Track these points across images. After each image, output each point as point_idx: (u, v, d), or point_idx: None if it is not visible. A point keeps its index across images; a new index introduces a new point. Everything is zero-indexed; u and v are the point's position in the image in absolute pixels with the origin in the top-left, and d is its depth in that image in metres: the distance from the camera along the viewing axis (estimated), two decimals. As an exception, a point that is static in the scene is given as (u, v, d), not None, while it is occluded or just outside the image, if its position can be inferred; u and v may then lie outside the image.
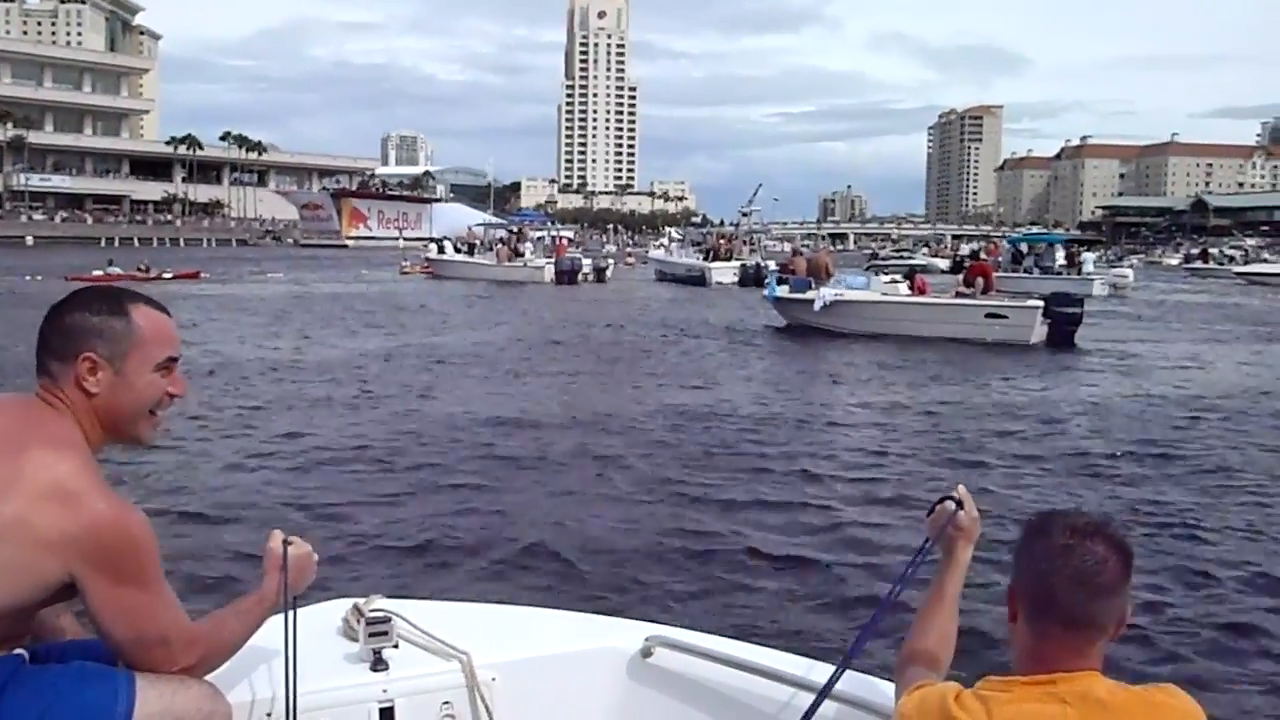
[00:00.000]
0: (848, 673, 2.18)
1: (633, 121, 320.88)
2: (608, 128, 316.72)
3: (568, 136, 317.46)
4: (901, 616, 4.79)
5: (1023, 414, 12.58)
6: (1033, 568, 1.68)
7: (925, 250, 79.54)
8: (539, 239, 52.61)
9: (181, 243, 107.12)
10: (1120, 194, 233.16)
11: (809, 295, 22.42)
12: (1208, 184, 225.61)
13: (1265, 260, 68.34)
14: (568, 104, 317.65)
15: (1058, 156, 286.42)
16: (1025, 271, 39.70)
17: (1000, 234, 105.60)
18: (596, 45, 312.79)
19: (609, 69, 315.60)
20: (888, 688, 2.18)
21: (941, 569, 2.16)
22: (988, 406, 13.27)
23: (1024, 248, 43.91)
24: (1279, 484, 8.92)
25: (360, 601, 2.54)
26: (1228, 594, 6.22)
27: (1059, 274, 39.33)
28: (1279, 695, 4.92)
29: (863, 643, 2.18)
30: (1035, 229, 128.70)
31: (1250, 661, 5.27)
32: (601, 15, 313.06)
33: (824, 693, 2.10)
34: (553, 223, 79.86)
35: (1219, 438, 11.07)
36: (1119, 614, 1.67)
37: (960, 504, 2.15)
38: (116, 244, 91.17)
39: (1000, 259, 42.37)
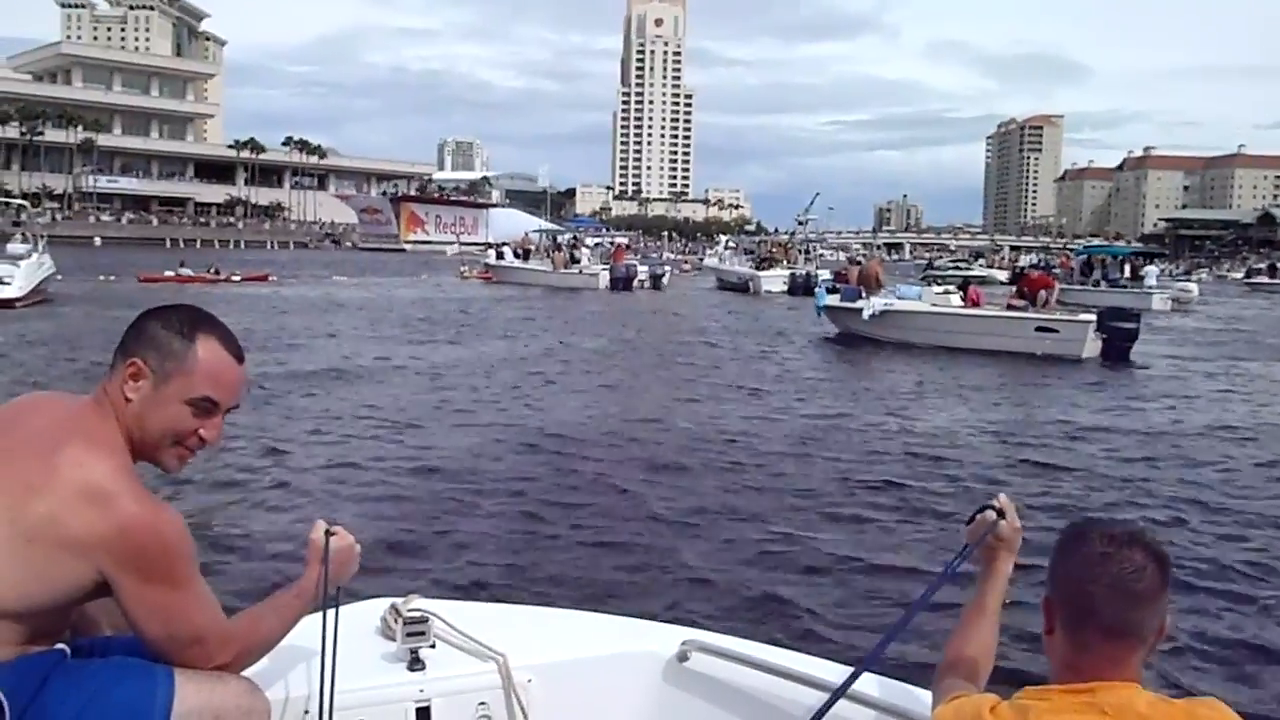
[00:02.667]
0: (871, 675, 2.21)
1: (688, 129, 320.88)
2: (663, 135, 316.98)
3: (623, 143, 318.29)
4: (935, 621, 5.08)
5: (1063, 431, 12.37)
6: (1070, 577, 1.66)
7: (982, 261, 78.76)
8: (596, 245, 53.15)
9: (243, 245, 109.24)
10: (1184, 206, 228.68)
11: (858, 304, 22.45)
12: (1276, 197, 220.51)
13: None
14: (623, 111, 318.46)
15: (1119, 167, 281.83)
16: (1094, 284, 39.34)
17: (1060, 245, 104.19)
18: (653, 53, 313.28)
19: (665, 76, 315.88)
20: (915, 692, 2.23)
21: (982, 580, 2.14)
22: (1027, 422, 13.09)
23: (1092, 260, 43.51)
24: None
25: (398, 601, 2.55)
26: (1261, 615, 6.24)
27: (1124, 287, 38.91)
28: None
29: (884, 646, 2.17)
30: (1096, 241, 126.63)
31: None
32: (659, 23, 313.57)
33: (839, 693, 2.08)
34: (607, 229, 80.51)
35: (1262, 478, 10.20)
36: (1158, 623, 1.64)
37: (1002, 513, 2.13)
38: (181, 245, 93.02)
39: (1070, 271, 42.25)
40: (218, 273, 42.76)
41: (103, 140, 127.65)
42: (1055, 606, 1.70)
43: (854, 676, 2.12)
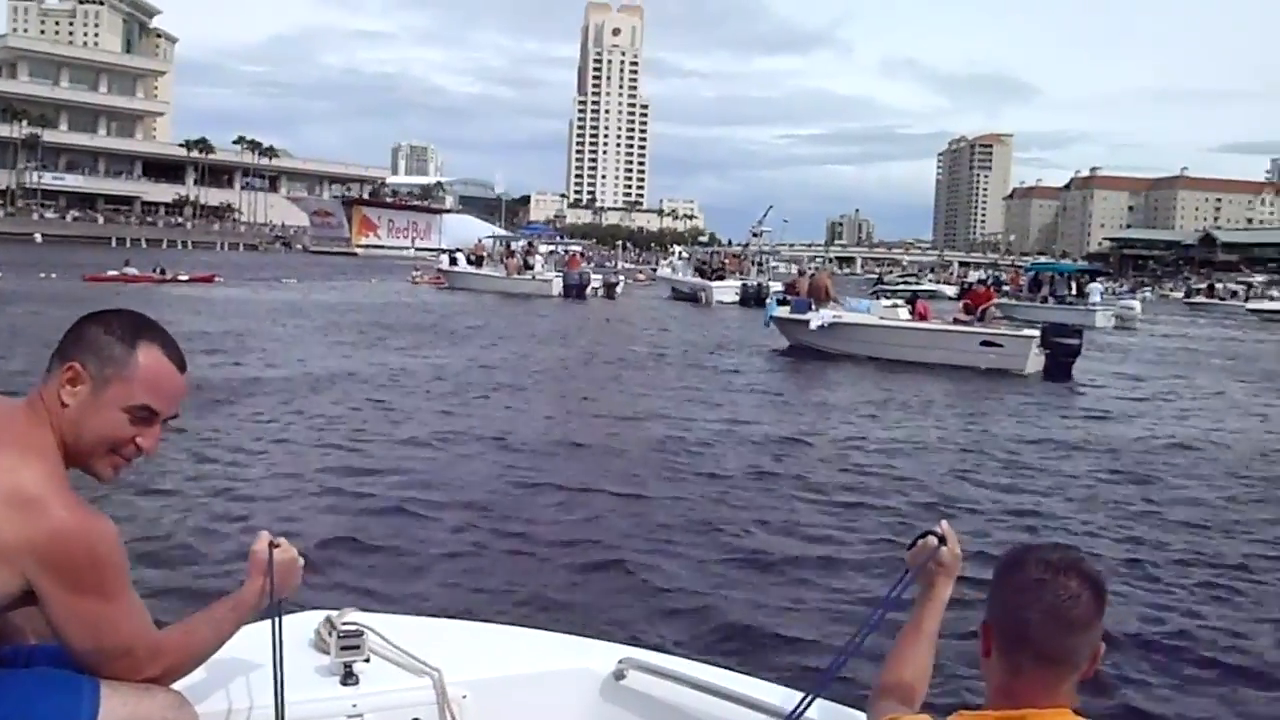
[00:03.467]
0: (819, 701, 2.21)
1: (644, 139, 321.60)
2: (618, 144, 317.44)
3: (578, 152, 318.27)
4: (879, 644, 5.09)
5: (1001, 445, 12.51)
6: (1006, 602, 1.68)
7: (932, 276, 79.84)
8: (550, 253, 53.20)
9: (191, 245, 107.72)
10: (1128, 226, 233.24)
11: (807, 316, 22.60)
12: (1216, 219, 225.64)
13: (1272, 297, 68.31)
14: (579, 119, 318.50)
15: (1067, 187, 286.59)
16: (1042, 301, 40.05)
17: (1009, 262, 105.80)
18: (610, 62, 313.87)
19: (621, 85, 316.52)
20: (856, 716, 2.23)
21: (920, 604, 2.15)
22: (965, 436, 13.18)
23: (1040, 277, 44.31)
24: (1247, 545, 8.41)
25: (333, 614, 2.52)
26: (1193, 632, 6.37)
27: (1071, 304, 39.61)
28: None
29: (832, 674, 2.19)
30: (1043, 259, 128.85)
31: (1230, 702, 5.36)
32: (616, 33, 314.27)
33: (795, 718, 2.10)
34: (562, 237, 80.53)
35: (1201, 493, 10.24)
36: (1092, 650, 1.66)
37: (943, 539, 2.14)
38: (127, 244, 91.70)
39: (1020, 288, 43.08)
40: (164, 273, 42.16)
41: (48, 136, 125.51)
42: (992, 631, 1.71)
43: (806, 704, 2.14)
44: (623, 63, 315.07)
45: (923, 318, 22.75)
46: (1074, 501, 9.73)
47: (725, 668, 2.67)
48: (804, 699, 2.16)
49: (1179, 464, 11.87)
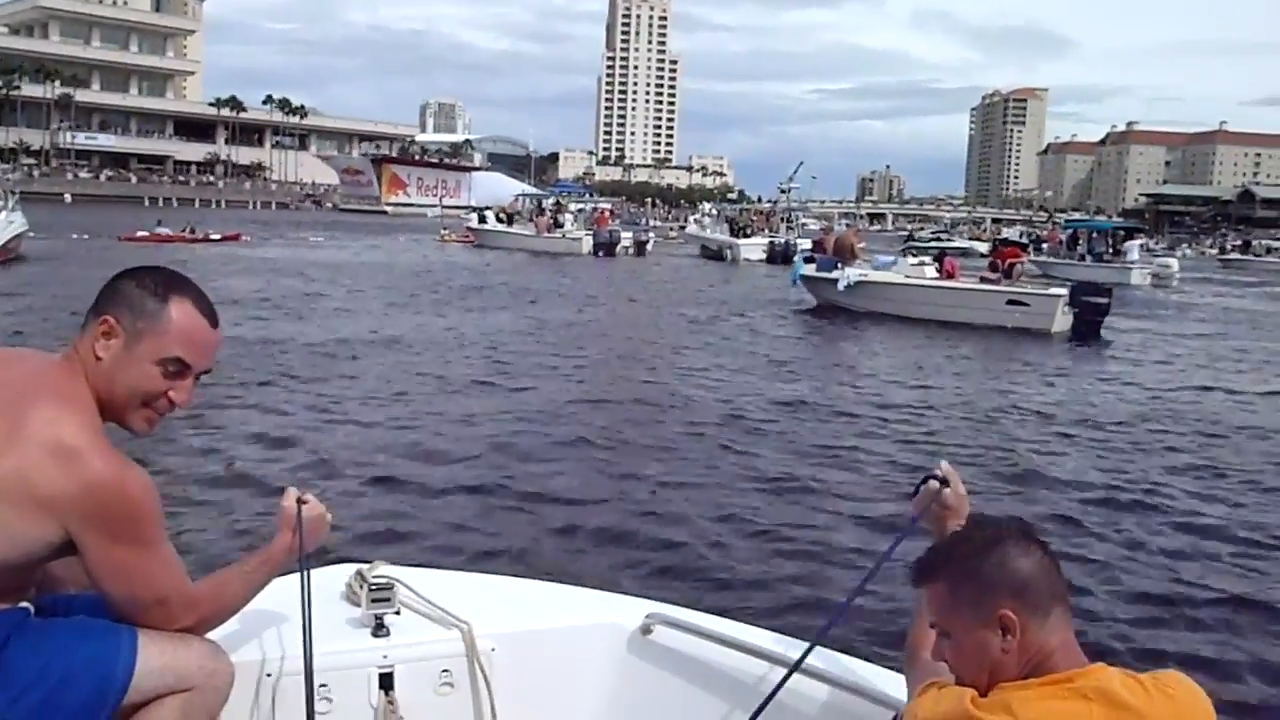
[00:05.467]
0: (821, 649, 2.26)
1: (673, 95, 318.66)
2: (647, 100, 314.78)
3: (607, 108, 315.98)
4: (891, 592, 5.24)
5: (1019, 407, 12.41)
6: (1016, 573, 1.65)
7: (965, 233, 78.98)
8: (579, 210, 53.14)
9: (224, 204, 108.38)
10: (1165, 182, 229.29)
11: (834, 275, 22.52)
12: (1255, 174, 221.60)
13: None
14: (608, 75, 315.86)
15: (1102, 142, 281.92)
16: (1079, 259, 39.46)
17: (1044, 219, 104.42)
18: (639, 16, 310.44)
19: (650, 41, 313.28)
20: (867, 666, 2.33)
21: None
22: (984, 396, 13.07)
23: (1078, 234, 43.74)
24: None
25: (364, 567, 2.57)
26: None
27: (1108, 262, 39.01)
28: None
29: (835, 623, 2.23)
30: (1077, 215, 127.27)
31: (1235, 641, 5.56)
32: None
33: (794, 668, 2.14)
34: (591, 194, 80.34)
35: (1221, 469, 9.67)
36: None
37: (945, 481, 2.11)
38: (160, 204, 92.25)
39: (1059, 244, 42.55)
40: (194, 232, 42.71)
41: (81, 96, 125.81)
42: (1015, 610, 1.64)
43: (807, 652, 2.18)
44: (651, 17, 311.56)
45: (950, 276, 22.52)
46: (1089, 460, 9.71)
47: (749, 623, 2.70)
48: (807, 648, 2.20)
49: (1195, 431, 11.49)
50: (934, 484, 2.12)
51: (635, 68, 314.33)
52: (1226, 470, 9.54)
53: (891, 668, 2.37)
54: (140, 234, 40.32)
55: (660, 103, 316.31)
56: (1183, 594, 6.22)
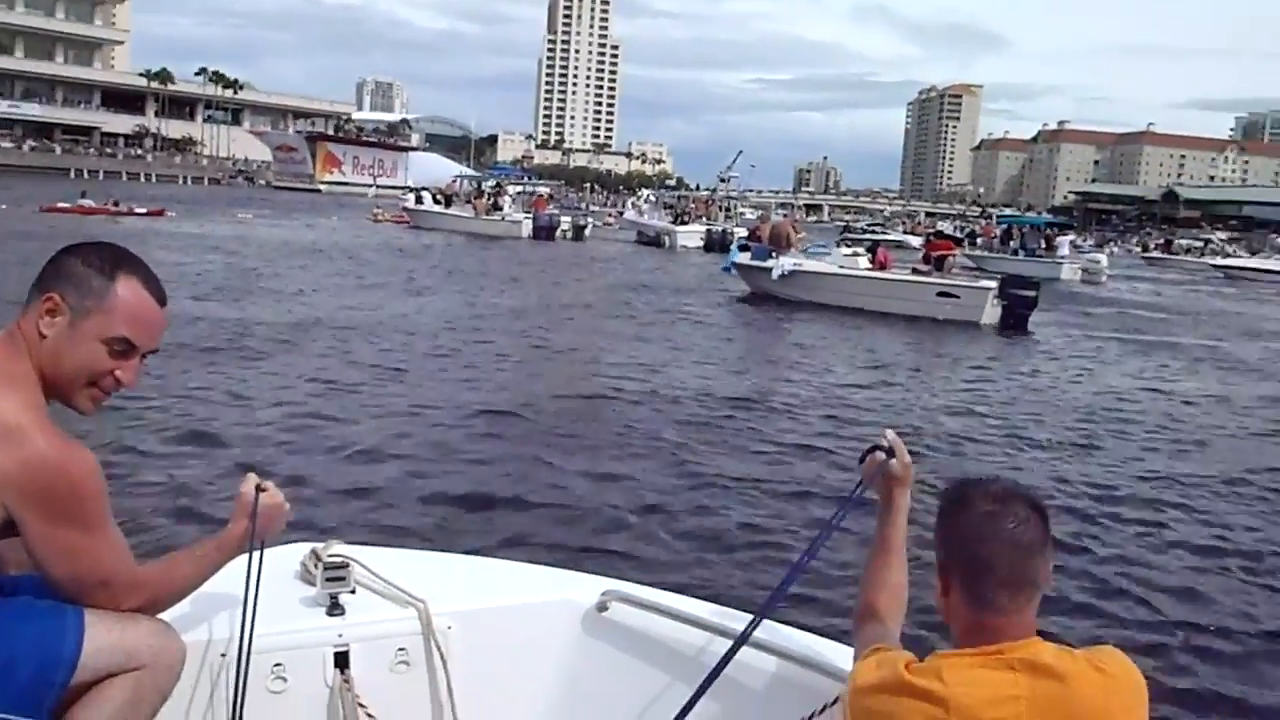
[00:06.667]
0: (766, 622, 2.26)
1: (614, 80, 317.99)
2: (588, 85, 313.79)
3: (547, 92, 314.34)
4: (839, 562, 5.38)
5: (949, 394, 12.78)
6: (964, 538, 1.70)
7: (900, 226, 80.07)
8: (518, 194, 52.90)
9: (153, 178, 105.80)
10: (1094, 180, 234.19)
11: (768, 264, 22.71)
12: (1179, 175, 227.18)
13: (1233, 254, 69.10)
14: (549, 58, 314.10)
15: (1034, 140, 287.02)
16: (1012, 253, 40.29)
17: (976, 213, 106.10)
18: (580, 0, 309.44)
19: (591, 25, 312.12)
20: (814, 640, 2.39)
21: (881, 520, 2.14)
22: (916, 384, 13.54)
23: (1012, 229, 44.62)
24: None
25: (319, 546, 2.56)
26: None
27: (1040, 257, 39.92)
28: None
29: (779, 594, 2.22)
30: (1008, 211, 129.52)
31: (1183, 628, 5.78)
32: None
33: (740, 641, 2.15)
34: (530, 178, 79.91)
35: (1133, 457, 10.02)
36: (1047, 570, 1.71)
37: (891, 452, 2.13)
38: (86, 176, 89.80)
39: (993, 239, 43.40)
40: (118, 205, 41.92)
41: (3, 63, 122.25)
42: (951, 570, 1.73)
43: (751, 626, 2.19)
44: (593, 1, 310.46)
45: (883, 267, 22.91)
46: (1012, 447, 10.04)
47: (703, 598, 2.73)
48: (752, 620, 2.21)
49: (1112, 417, 12.07)
50: (880, 454, 2.15)
51: (576, 51, 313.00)
52: (1130, 452, 9.98)
53: (841, 639, 2.40)
54: (62, 205, 39.37)
55: (601, 87, 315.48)
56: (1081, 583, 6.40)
